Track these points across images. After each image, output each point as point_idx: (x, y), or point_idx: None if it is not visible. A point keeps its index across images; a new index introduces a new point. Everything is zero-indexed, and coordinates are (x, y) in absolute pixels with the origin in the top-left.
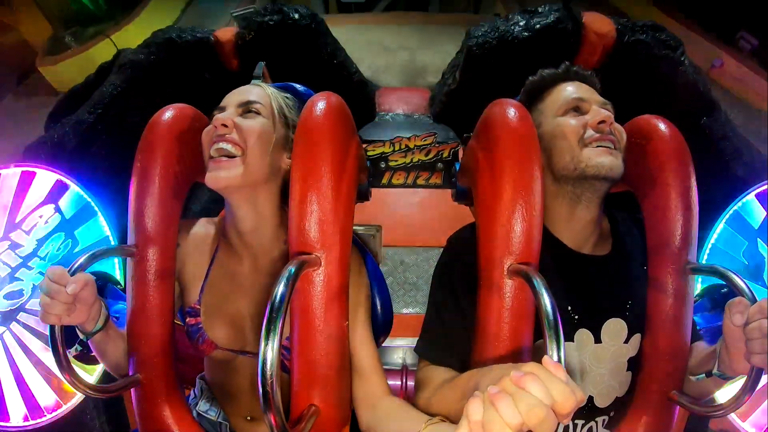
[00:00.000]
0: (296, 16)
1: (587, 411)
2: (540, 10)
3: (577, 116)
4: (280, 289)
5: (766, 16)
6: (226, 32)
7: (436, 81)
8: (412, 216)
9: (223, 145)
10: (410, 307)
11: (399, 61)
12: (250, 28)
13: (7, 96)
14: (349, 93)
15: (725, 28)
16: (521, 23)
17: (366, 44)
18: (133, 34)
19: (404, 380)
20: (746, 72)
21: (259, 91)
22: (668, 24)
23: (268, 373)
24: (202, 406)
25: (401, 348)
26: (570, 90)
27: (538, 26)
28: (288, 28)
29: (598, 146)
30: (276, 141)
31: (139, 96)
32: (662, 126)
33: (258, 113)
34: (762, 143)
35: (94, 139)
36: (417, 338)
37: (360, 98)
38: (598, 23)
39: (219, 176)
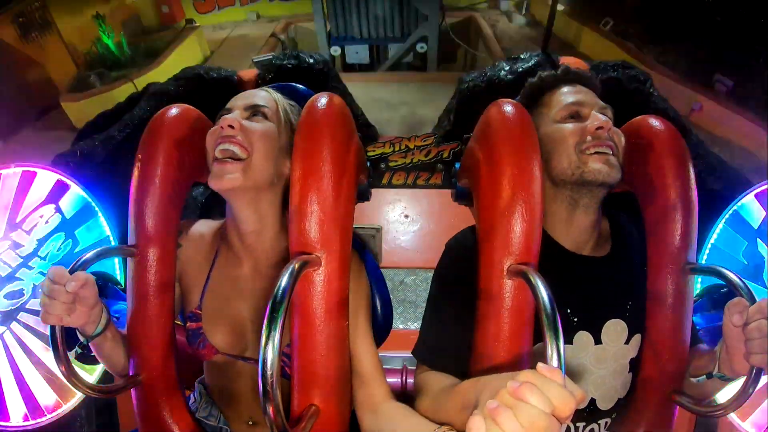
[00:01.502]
0: (311, 60)
1: (589, 413)
2: (522, 56)
3: (575, 121)
4: (282, 286)
5: (738, 58)
6: (249, 73)
7: None
8: (412, 241)
9: (228, 146)
10: (410, 323)
11: (400, 115)
12: (270, 70)
13: (26, 129)
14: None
15: (701, 73)
16: (506, 68)
17: (370, 101)
18: (154, 80)
19: (404, 378)
20: (725, 112)
21: (266, 96)
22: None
23: (269, 371)
24: (202, 412)
25: (401, 357)
26: (569, 94)
27: (520, 69)
28: (303, 71)
29: (595, 152)
30: (280, 146)
31: None
32: (661, 126)
33: (265, 117)
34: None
35: (122, 155)
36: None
37: (365, 139)
38: (573, 65)
39: (223, 178)
